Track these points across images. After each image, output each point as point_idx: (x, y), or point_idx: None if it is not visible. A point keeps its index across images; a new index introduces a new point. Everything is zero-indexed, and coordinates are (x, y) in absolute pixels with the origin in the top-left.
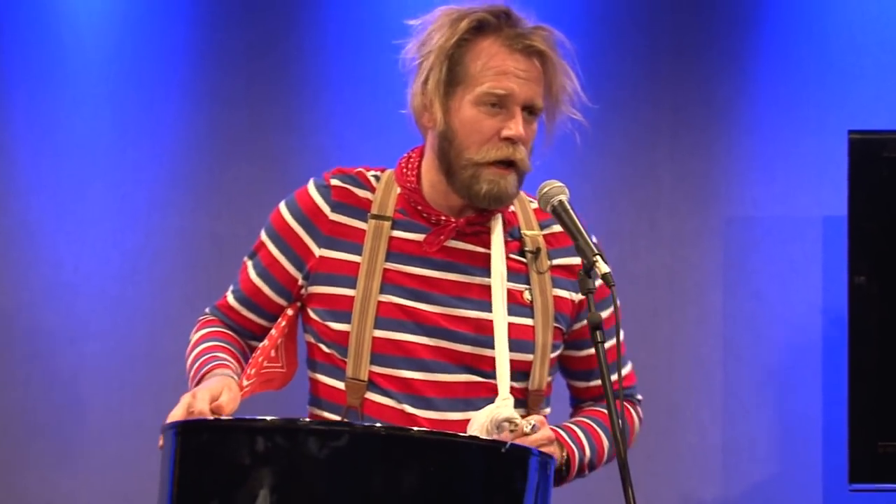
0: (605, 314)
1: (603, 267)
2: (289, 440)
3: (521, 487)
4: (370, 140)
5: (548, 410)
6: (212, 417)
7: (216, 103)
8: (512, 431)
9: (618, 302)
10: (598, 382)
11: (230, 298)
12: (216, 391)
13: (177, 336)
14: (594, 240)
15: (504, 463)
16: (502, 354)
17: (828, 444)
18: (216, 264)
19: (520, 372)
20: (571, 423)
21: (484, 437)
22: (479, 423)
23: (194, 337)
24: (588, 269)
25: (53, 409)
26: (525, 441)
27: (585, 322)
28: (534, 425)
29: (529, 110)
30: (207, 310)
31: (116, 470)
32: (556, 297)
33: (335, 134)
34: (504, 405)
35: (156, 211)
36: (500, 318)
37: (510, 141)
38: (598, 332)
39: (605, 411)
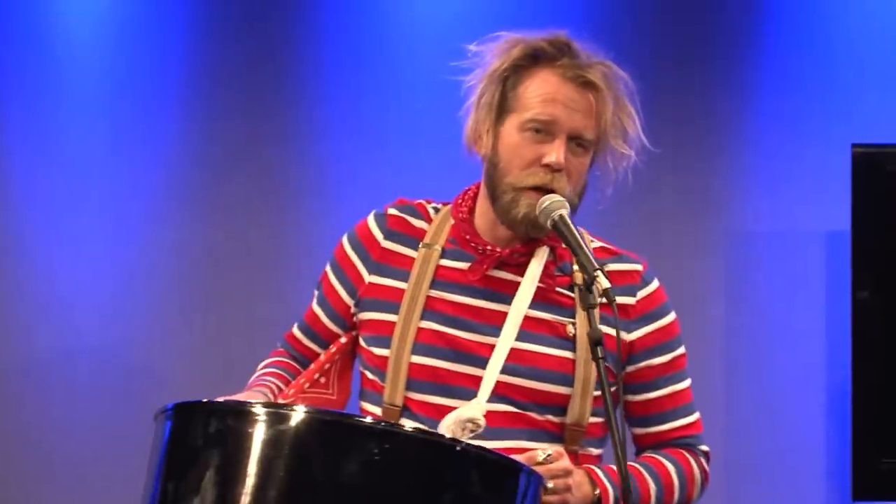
0: (662, 359)
1: (604, 282)
2: (238, 422)
3: (485, 493)
4: (368, 152)
5: (593, 451)
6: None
7: (213, 115)
8: (473, 431)
9: (681, 349)
10: (657, 429)
11: (295, 329)
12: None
13: (171, 350)
14: (640, 266)
15: (461, 464)
16: (492, 372)
17: (831, 461)
18: (211, 278)
19: (557, 405)
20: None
21: (448, 436)
22: (446, 424)
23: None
24: (589, 284)
25: (47, 424)
26: (538, 470)
27: (640, 366)
28: (549, 454)
29: (577, 142)
30: (278, 343)
31: (111, 485)
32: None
33: (332, 146)
34: (471, 406)
35: (151, 224)
36: (506, 338)
37: (550, 168)
38: (598, 349)
39: (663, 459)
